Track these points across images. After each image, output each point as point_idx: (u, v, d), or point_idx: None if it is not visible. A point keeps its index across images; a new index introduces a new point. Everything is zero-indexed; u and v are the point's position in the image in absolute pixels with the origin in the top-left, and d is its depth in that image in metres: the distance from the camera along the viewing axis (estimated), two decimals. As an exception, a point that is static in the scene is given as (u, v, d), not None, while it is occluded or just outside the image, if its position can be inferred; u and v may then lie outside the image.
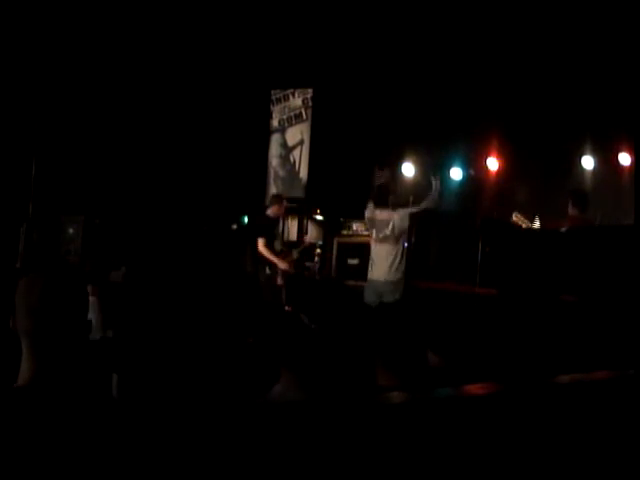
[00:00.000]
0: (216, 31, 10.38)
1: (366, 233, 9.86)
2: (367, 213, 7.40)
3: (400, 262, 7.09)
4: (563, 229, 8.50)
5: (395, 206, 7.23)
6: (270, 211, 8.45)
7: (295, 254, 8.70)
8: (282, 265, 8.12)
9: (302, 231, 10.70)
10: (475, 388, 2.27)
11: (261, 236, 8.16)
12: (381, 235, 7.07)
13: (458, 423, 1.93)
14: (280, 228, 10.94)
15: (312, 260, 10.76)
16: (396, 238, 7.04)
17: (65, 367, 1.95)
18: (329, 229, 11.02)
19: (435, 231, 9.80)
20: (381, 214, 7.17)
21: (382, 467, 1.73)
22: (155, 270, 8.87)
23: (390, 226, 7.05)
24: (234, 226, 11.53)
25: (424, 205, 7.30)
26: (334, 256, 10.44)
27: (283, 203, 8.70)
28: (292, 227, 11.50)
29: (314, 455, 1.60)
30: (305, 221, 11.45)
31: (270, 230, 8.28)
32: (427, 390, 2.29)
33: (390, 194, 7.40)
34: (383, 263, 7.04)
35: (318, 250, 10.82)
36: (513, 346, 4.64)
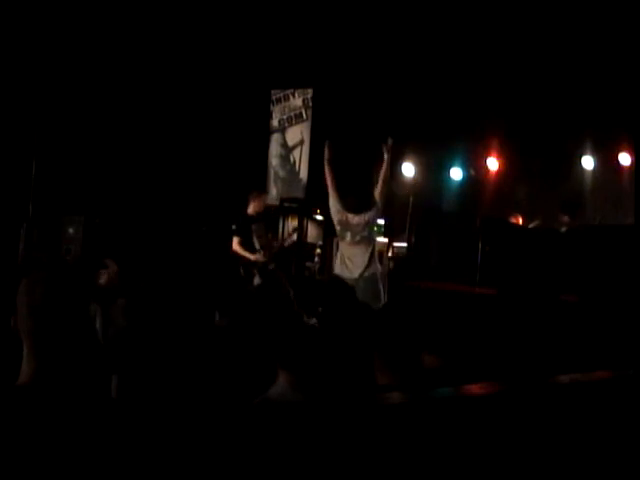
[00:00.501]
0: (216, 31, 10.38)
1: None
2: (337, 216, 7.17)
3: (374, 258, 7.02)
4: (563, 229, 8.51)
5: (366, 208, 7.09)
6: (250, 209, 8.28)
7: (275, 245, 8.47)
8: (252, 256, 7.93)
9: (302, 230, 10.40)
10: (475, 388, 2.27)
11: (235, 235, 8.04)
12: (357, 238, 6.96)
13: (458, 423, 1.93)
14: (268, 225, 10.87)
15: (312, 260, 10.75)
16: (370, 237, 7.00)
17: (66, 367, 1.95)
18: (329, 229, 11.01)
19: (435, 231, 9.81)
20: (355, 218, 7.03)
21: (382, 467, 1.72)
22: (154, 271, 8.85)
23: (367, 228, 6.98)
24: (234, 226, 11.51)
25: (380, 187, 7.13)
26: (334, 256, 10.43)
27: (261, 198, 8.46)
28: (292, 227, 11.48)
29: (313, 455, 1.60)
30: (305, 221, 11.44)
31: (246, 228, 8.09)
32: (427, 390, 2.29)
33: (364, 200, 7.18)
34: (360, 263, 6.94)
35: (318, 250, 10.81)
36: (513, 346, 4.65)
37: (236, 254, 8.03)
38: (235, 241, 8.03)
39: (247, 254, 7.98)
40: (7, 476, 1.20)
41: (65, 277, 2.01)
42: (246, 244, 8.04)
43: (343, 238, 7.11)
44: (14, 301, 1.98)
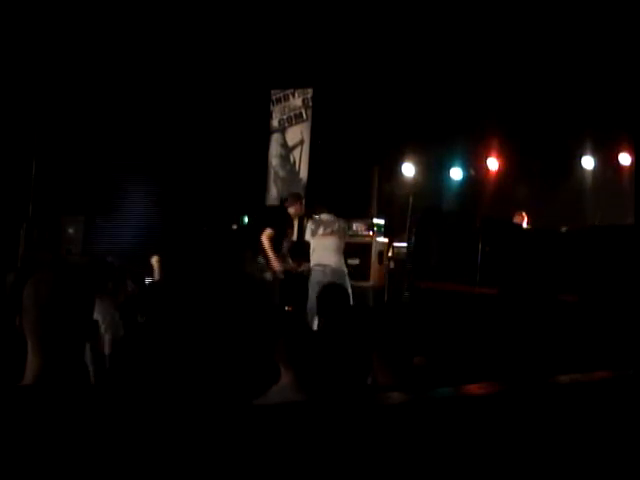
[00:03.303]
0: (216, 31, 10.38)
1: (366, 233, 9.88)
2: (312, 218, 8.09)
3: (341, 256, 7.84)
4: (563, 229, 8.52)
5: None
6: (292, 209, 8.10)
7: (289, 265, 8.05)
8: (274, 265, 7.64)
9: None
10: (475, 388, 2.28)
11: (270, 227, 7.65)
12: (328, 230, 7.84)
13: (458, 423, 1.93)
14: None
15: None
16: (340, 236, 7.85)
17: (71, 366, 1.95)
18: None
19: (435, 231, 9.80)
20: (327, 217, 7.98)
21: (382, 467, 1.73)
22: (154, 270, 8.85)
23: (336, 225, 7.88)
24: (234, 226, 11.52)
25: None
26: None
27: (302, 202, 8.40)
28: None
29: (313, 455, 1.61)
30: (305, 221, 11.44)
31: (283, 226, 7.80)
32: (427, 390, 2.30)
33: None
34: (333, 253, 7.77)
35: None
36: (513, 346, 4.65)
37: (261, 247, 7.65)
38: (266, 233, 7.62)
39: (271, 256, 7.60)
40: (11, 475, 1.21)
41: (71, 276, 2.02)
42: (277, 242, 7.70)
43: (314, 234, 7.95)
44: (20, 300, 1.99)
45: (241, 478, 1.49)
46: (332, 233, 7.82)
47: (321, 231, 7.84)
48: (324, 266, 7.65)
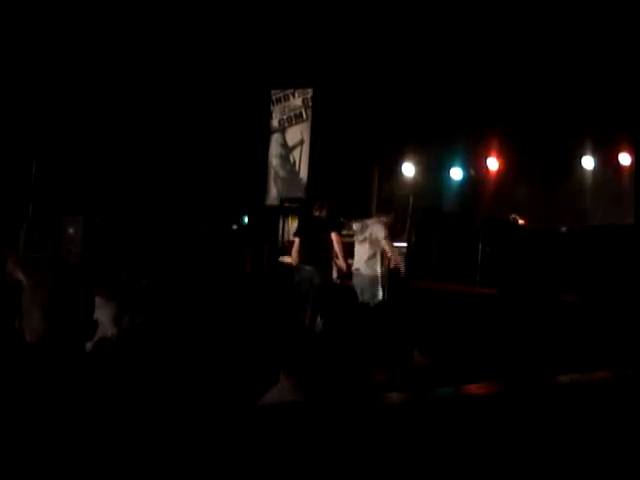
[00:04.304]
0: (216, 31, 10.38)
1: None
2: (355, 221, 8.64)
3: (374, 261, 8.17)
4: (563, 229, 8.53)
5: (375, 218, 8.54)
6: (320, 212, 8.38)
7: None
8: (343, 266, 8.19)
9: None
10: (475, 388, 2.28)
11: (335, 230, 8.19)
12: (361, 237, 8.31)
13: (458, 423, 1.93)
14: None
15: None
16: (372, 241, 8.17)
17: (71, 365, 1.95)
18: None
19: (435, 231, 9.80)
20: (364, 222, 8.47)
21: (382, 467, 1.73)
22: (155, 271, 8.85)
23: (367, 231, 8.25)
24: (234, 226, 11.52)
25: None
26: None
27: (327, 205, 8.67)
28: (292, 227, 11.49)
29: (313, 456, 1.61)
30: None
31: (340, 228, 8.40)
32: (427, 390, 2.30)
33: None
34: (364, 260, 8.19)
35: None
36: (513, 345, 4.65)
37: (335, 251, 8.16)
38: (338, 239, 8.13)
39: (341, 258, 8.16)
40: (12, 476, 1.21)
41: (71, 276, 2.02)
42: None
43: (356, 238, 8.45)
44: (19, 301, 1.99)
45: (240, 478, 1.49)
46: (364, 240, 8.22)
47: (356, 237, 8.37)
48: (357, 270, 8.20)
